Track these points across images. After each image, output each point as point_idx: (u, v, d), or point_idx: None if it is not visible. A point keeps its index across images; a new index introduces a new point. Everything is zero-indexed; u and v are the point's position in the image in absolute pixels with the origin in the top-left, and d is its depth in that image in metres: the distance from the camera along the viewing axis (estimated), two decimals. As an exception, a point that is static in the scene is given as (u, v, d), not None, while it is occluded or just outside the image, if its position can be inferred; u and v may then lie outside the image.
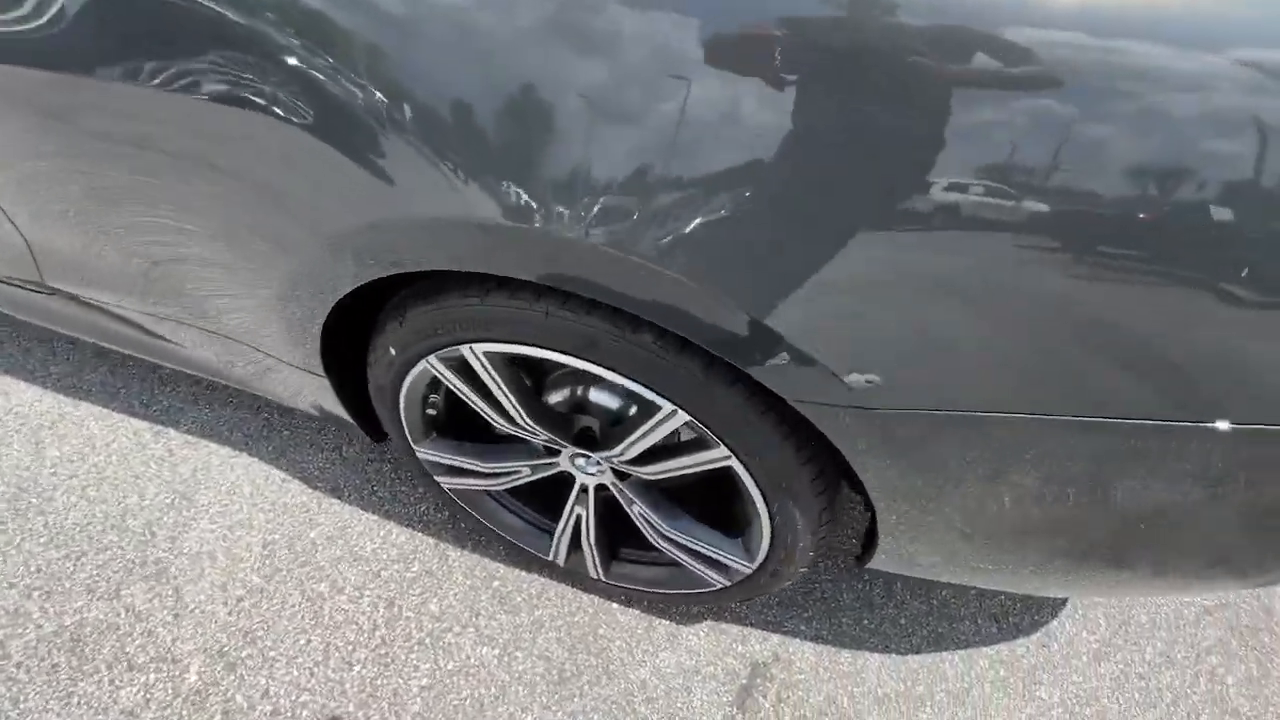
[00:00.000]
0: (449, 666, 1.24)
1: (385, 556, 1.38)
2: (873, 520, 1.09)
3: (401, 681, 1.22)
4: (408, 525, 1.43)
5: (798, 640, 1.31)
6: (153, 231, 0.99)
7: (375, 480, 1.51)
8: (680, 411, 0.82)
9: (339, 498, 1.47)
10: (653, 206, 0.62)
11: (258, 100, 0.73)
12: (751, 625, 1.32)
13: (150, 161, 0.86)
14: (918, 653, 1.30)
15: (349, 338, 1.08)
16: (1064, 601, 1.39)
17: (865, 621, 1.34)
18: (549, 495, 1.27)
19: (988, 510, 0.80)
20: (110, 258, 1.11)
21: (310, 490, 1.48)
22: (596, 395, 1.07)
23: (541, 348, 0.84)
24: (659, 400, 0.82)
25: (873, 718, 1.21)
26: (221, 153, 0.80)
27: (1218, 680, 1.29)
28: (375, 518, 1.44)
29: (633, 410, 1.06)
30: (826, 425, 0.73)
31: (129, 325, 1.30)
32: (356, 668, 1.23)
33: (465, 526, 1.44)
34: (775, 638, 1.31)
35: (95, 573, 1.33)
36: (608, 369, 0.82)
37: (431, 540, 1.41)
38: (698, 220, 0.62)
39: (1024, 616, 1.36)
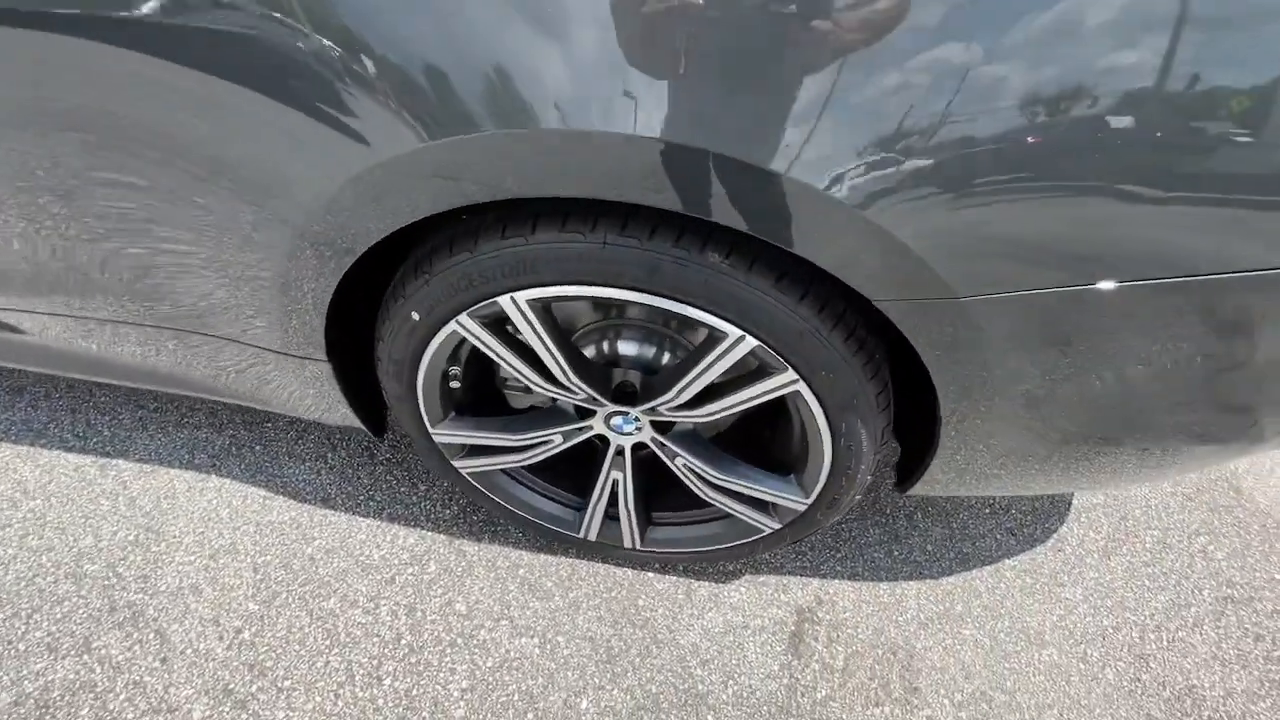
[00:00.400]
0: (488, 664, 1.16)
1: (396, 561, 1.27)
2: (906, 448, 1.10)
3: (440, 688, 1.12)
4: (415, 526, 1.33)
5: (836, 581, 1.31)
6: (112, 212, 0.86)
7: (370, 484, 1.39)
8: (748, 337, 0.79)
9: (332, 508, 1.34)
10: (761, 107, 0.60)
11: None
12: (788, 574, 1.31)
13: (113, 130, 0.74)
14: (949, 574, 1.33)
15: (343, 322, 0.99)
16: (1067, 507, 1.46)
17: (895, 553, 1.36)
18: (574, 471, 1.21)
19: (1038, 400, 0.82)
20: (42, 254, 0.96)
21: (298, 504, 1.34)
22: (626, 347, 1.03)
23: (595, 285, 0.78)
24: (725, 326, 0.79)
25: (920, 642, 1.23)
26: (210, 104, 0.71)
27: (1210, 557, 1.39)
28: (378, 523, 1.33)
29: (666, 358, 1.03)
30: (908, 322, 0.72)
31: (48, 339, 1.13)
32: (387, 681, 1.12)
33: (478, 519, 1.35)
34: (814, 582, 1.30)
35: (54, 628, 1.15)
36: (669, 298, 0.78)
37: (444, 538, 1.32)
38: (796, 119, 0.60)
39: (1036, 527, 1.42)
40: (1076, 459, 0.94)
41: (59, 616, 1.16)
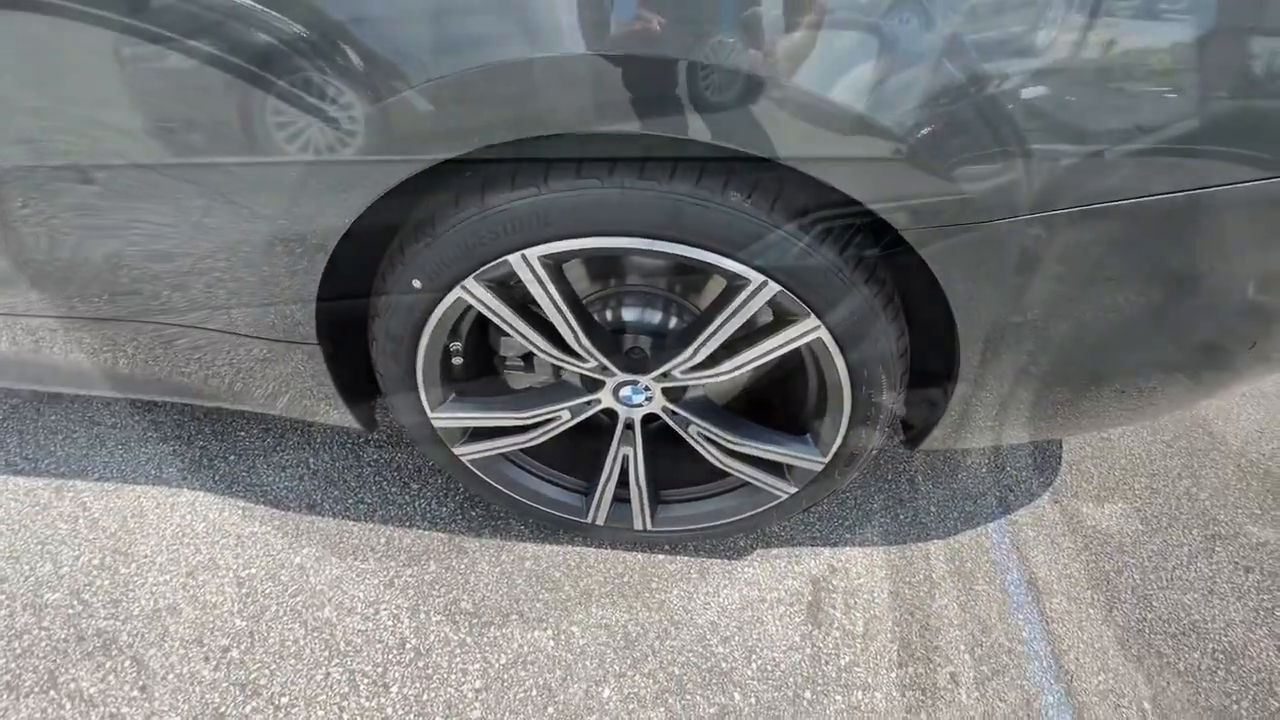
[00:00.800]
0: (501, 661, 1.10)
1: (393, 563, 1.20)
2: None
3: (453, 690, 1.06)
4: (410, 525, 1.26)
5: (846, 549, 1.30)
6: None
7: (358, 487, 1.31)
8: (770, 283, 0.78)
9: (318, 514, 1.26)
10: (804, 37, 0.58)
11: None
12: (799, 545, 1.29)
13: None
14: (955, 533, 1.34)
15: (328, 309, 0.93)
16: (1059, 461, 1.49)
17: (901, 517, 1.36)
18: (579, 456, 1.17)
19: (1032, 343, 0.82)
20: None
21: (281, 513, 1.26)
22: (631, 314, 1.00)
23: (612, 234, 0.75)
24: (746, 272, 0.77)
25: (936, 601, 1.23)
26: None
27: (1194, 499, 1.44)
28: (370, 525, 1.25)
29: (673, 322, 1.00)
30: (935, 252, 0.72)
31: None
32: (395, 688, 1.05)
33: (477, 513, 1.29)
34: (825, 551, 1.29)
35: (12, 665, 1.04)
36: (690, 244, 0.75)
37: (442, 535, 1.25)
38: (845, 53, 0.59)
39: (1031, 481, 1.45)
40: (1061, 404, 0.95)
41: (18, 651, 1.05)
